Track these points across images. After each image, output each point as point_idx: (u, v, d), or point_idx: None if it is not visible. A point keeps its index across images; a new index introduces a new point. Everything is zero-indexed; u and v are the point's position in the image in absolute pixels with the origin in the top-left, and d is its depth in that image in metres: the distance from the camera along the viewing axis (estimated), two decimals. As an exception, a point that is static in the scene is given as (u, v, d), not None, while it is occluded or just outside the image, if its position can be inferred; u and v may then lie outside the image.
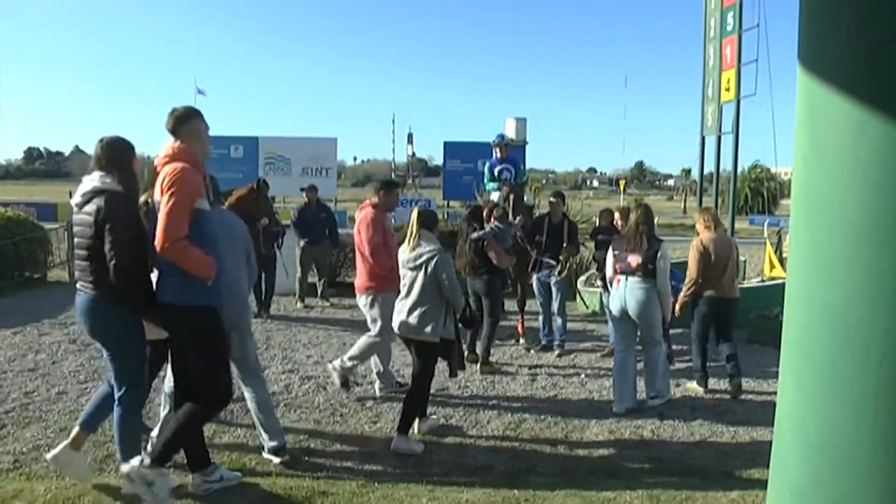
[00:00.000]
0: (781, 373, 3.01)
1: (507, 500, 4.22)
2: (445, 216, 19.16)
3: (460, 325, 5.58)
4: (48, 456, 4.31)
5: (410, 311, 5.26)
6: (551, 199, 8.57)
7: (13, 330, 8.79)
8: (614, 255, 6.37)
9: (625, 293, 6.19)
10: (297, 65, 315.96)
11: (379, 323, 6.18)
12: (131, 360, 4.04)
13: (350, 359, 6.39)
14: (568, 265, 8.17)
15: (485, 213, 8.07)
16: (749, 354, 8.24)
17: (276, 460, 4.75)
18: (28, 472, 4.63)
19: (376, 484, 4.46)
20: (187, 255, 3.74)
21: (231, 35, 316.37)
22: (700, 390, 6.77)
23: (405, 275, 5.40)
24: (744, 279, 12.38)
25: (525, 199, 9.29)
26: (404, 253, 5.44)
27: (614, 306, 6.33)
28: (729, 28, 10.87)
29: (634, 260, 6.14)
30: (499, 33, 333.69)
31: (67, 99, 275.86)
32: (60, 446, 4.29)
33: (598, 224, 8.58)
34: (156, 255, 3.85)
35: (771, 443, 3.12)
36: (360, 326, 9.35)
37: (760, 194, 48.01)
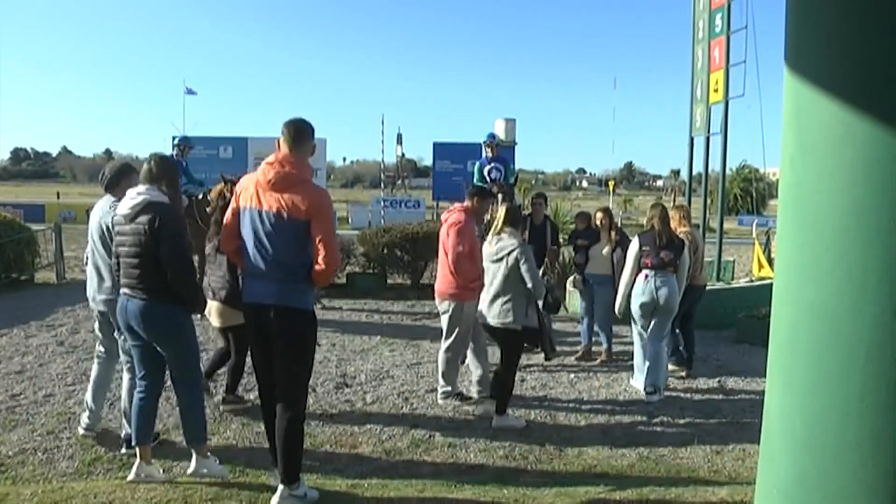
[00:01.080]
0: (769, 372, 3.02)
1: (496, 499, 4.23)
2: (434, 217, 19.24)
3: (544, 312, 5.97)
4: (129, 479, 4.40)
5: (493, 302, 5.66)
6: (534, 201, 8.61)
7: (0, 332, 8.73)
8: (643, 252, 6.59)
9: (656, 287, 6.49)
10: (285, 65, 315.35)
11: (456, 331, 6.14)
12: (189, 353, 4.45)
13: (444, 378, 6.28)
14: (551, 267, 8.21)
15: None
16: (738, 354, 8.31)
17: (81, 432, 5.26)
18: (14, 476, 4.60)
19: (366, 484, 4.46)
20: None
21: (220, 35, 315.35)
22: (680, 371, 7.20)
23: (488, 268, 5.75)
24: (732, 279, 12.44)
25: (514, 199, 9.29)
26: (488, 247, 5.79)
27: (643, 300, 6.55)
28: (717, 30, 10.92)
29: (667, 255, 6.51)
30: (488, 34, 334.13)
31: (55, 99, 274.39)
32: (135, 467, 4.42)
33: (575, 227, 8.48)
34: (240, 259, 4.09)
35: (759, 441, 3.14)
36: (350, 327, 9.39)
37: (749, 195, 48.16)
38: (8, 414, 5.75)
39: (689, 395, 6.66)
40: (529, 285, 5.52)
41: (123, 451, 4.93)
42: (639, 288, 6.61)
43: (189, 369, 4.45)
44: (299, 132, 3.99)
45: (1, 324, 9.17)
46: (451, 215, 6.22)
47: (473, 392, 6.33)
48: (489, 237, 5.87)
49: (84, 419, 5.31)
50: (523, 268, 5.50)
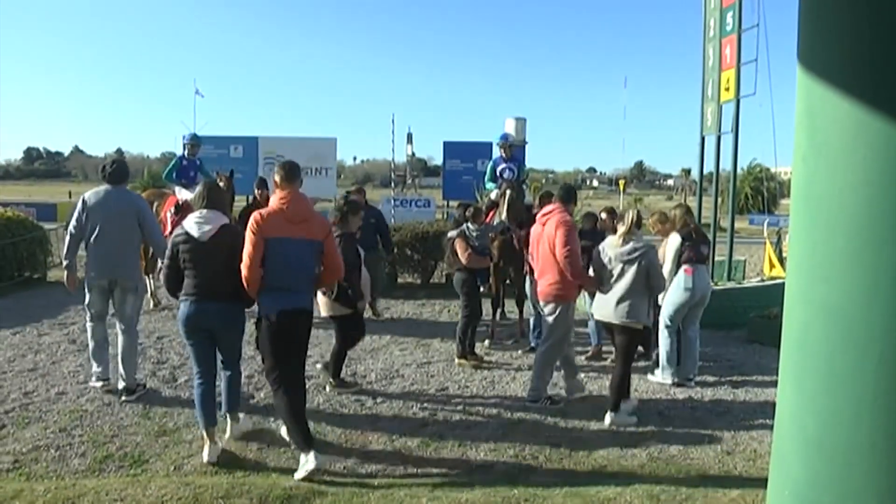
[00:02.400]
0: (781, 372, 3.01)
1: (507, 499, 4.23)
2: (445, 216, 19.20)
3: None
4: (206, 461, 4.87)
5: (620, 301, 5.80)
6: (543, 200, 8.56)
7: (13, 330, 8.79)
8: (688, 246, 6.82)
9: (699, 279, 6.81)
10: (296, 65, 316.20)
11: (560, 333, 6.16)
12: (241, 341, 5.35)
13: (538, 381, 6.25)
14: None
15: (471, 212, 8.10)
16: (748, 354, 8.26)
17: (98, 384, 6.32)
18: (28, 473, 4.64)
19: (376, 483, 4.47)
20: None
21: (231, 35, 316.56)
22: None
23: (614, 267, 5.86)
24: (743, 279, 12.39)
25: (525, 198, 9.26)
26: (614, 248, 5.92)
27: (688, 293, 6.78)
28: (728, 28, 10.86)
29: (706, 249, 7.04)
30: (498, 33, 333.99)
31: (67, 99, 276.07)
32: (207, 450, 4.92)
33: (581, 228, 8.36)
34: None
35: (771, 442, 3.12)
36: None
37: (760, 194, 47.89)
38: (21, 411, 5.80)
39: (699, 396, 6.63)
40: (657, 286, 5.95)
41: (123, 398, 6.09)
42: (684, 282, 6.80)
43: (239, 353, 5.36)
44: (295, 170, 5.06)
45: (14, 322, 9.24)
46: (553, 215, 6.16)
47: (528, 395, 6.30)
48: (615, 239, 5.96)
49: (97, 376, 6.41)
50: (654, 270, 5.85)
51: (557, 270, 6.04)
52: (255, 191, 9.51)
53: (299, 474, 4.51)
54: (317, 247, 4.87)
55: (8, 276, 12.14)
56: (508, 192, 8.41)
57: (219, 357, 5.21)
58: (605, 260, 5.95)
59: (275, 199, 4.90)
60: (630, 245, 5.83)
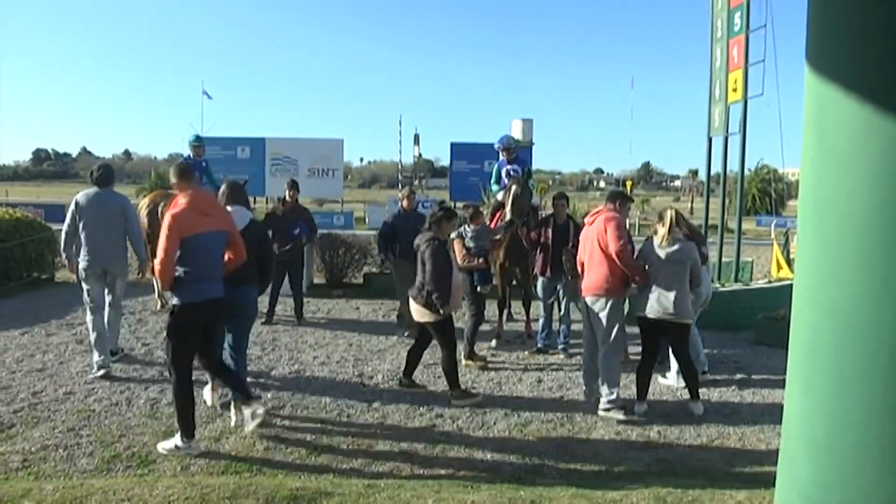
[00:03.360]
0: (789, 374, 3.00)
1: (513, 500, 4.21)
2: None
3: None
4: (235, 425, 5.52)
5: (676, 298, 5.97)
6: (556, 201, 8.54)
7: (21, 330, 8.83)
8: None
9: (706, 280, 6.96)
10: (303, 66, 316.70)
11: (616, 328, 6.11)
12: (251, 324, 6.08)
13: (608, 385, 6.06)
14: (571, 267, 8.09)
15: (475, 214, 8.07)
16: (756, 355, 8.23)
17: (100, 373, 6.77)
18: (37, 472, 4.66)
19: (382, 484, 4.46)
20: None
21: (238, 37, 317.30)
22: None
23: (661, 266, 6.00)
24: (751, 280, 12.35)
25: (532, 199, 9.21)
26: (661, 248, 6.02)
27: (701, 293, 6.82)
28: (736, 28, 10.85)
29: (706, 250, 7.11)
30: (505, 34, 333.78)
31: (75, 101, 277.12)
32: (235, 415, 5.55)
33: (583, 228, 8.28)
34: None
35: (779, 444, 3.11)
36: (367, 327, 9.40)
37: (767, 195, 47.81)
38: (30, 411, 5.82)
39: (706, 397, 6.61)
40: (697, 283, 6.18)
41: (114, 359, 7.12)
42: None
43: (245, 341, 5.98)
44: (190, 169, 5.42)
45: (22, 322, 9.28)
46: (600, 213, 6.24)
47: (604, 406, 6.07)
48: (659, 240, 6.04)
49: (98, 364, 6.86)
50: (696, 268, 6.09)
51: (606, 266, 6.07)
52: (287, 192, 9.64)
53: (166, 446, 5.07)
54: (226, 236, 5.25)
55: (17, 277, 12.19)
56: (514, 186, 8.39)
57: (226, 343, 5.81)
58: (654, 259, 6.04)
59: (182, 198, 5.08)
60: (677, 245, 5.99)
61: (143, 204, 10.34)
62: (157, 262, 4.97)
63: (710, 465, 5.04)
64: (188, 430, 5.03)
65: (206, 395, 6.04)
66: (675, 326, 6.07)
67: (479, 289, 7.83)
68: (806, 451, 2.81)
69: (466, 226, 7.87)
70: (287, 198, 9.65)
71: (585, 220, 6.55)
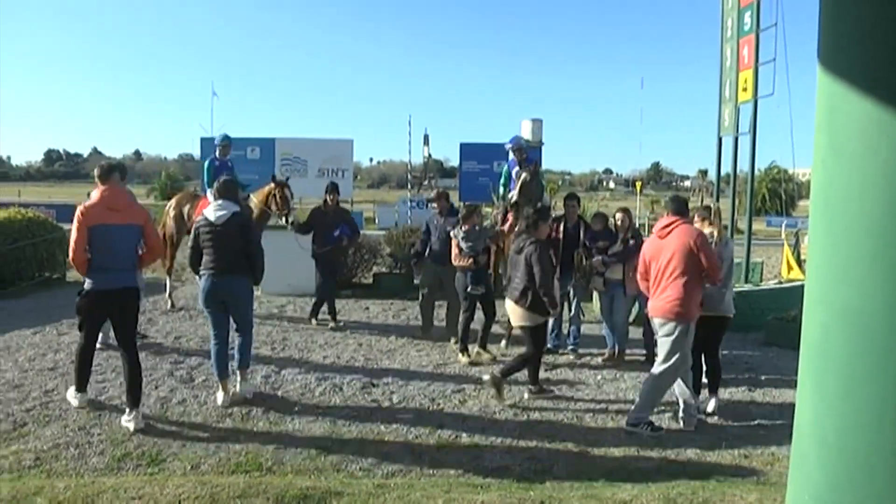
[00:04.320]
0: (800, 375, 2.98)
1: (522, 501, 4.21)
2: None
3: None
4: (221, 404, 6.04)
5: (728, 296, 6.13)
6: (567, 201, 8.51)
7: (33, 330, 8.88)
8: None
9: None
10: (312, 66, 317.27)
11: (678, 355, 5.64)
12: (251, 309, 6.54)
13: (644, 406, 5.81)
14: (584, 268, 8.06)
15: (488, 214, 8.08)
16: (766, 357, 8.21)
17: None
18: (49, 470, 4.70)
19: (392, 484, 4.47)
20: None
21: (247, 37, 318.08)
22: None
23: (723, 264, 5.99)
24: (761, 281, 12.30)
25: (543, 198, 9.16)
26: (716, 247, 6.00)
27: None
28: (746, 28, 10.80)
29: None
30: (514, 34, 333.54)
31: (85, 102, 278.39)
32: (221, 397, 6.10)
33: (592, 229, 8.15)
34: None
35: (790, 445, 3.10)
36: (377, 327, 9.41)
37: (778, 195, 47.65)
38: (42, 409, 5.86)
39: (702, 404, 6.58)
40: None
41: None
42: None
43: (249, 321, 6.44)
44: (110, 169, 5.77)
45: (34, 321, 9.33)
46: (678, 227, 5.71)
47: (681, 422, 5.88)
48: (716, 239, 6.06)
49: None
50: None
51: (684, 286, 5.56)
52: (326, 195, 9.65)
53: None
54: (136, 230, 5.72)
55: (28, 277, 12.28)
56: (524, 174, 8.38)
57: (233, 326, 6.32)
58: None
59: (96, 194, 5.62)
60: (728, 243, 6.17)
61: (170, 206, 10.35)
62: (70, 250, 5.62)
63: (720, 465, 5.03)
64: (81, 384, 5.91)
65: (219, 396, 6.16)
66: (725, 320, 6.22)
67: (469, 289, 7.80)
68: (818, 452, 2.79)
69: (459, 226, 7.88)
70: (328, 201, 9.65)
71: (655, 232, 5.92)
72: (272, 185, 9.50)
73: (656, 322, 5.80)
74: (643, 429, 5.68)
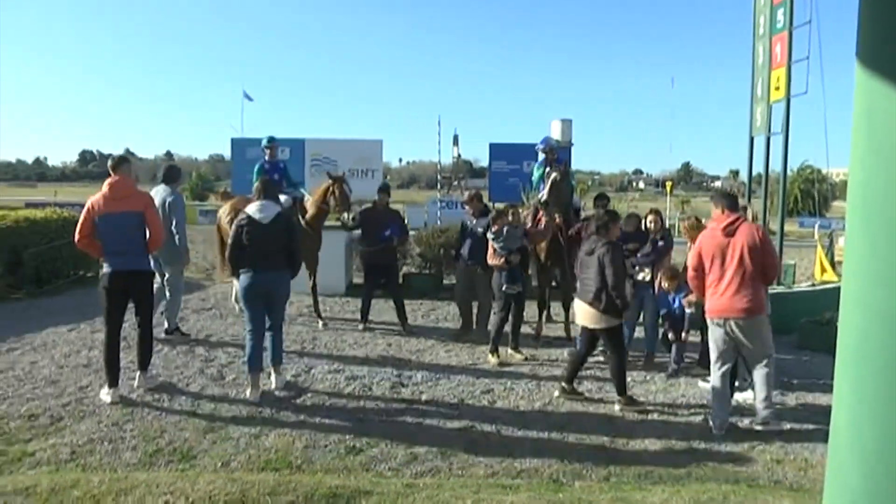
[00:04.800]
0: (837, 379, 2.92)
1: (552, 502, 4.19)
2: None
3: None
4: (249, 397, 6.25)
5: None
6: (597, 201, 8.45)
7: (68, 327, 9.04)
8: None
9: None
10: (342, 66, 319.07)
11: (770, 344, 5.75)
12: (284, 308, 6.92)
13: (764, 400, 5.76)
14: None
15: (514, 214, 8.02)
16: (799, 360, 8.09)
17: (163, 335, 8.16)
18: (84, 464, 4.78)
19: (421, 484, 4.47)
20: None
21: (276, 39, 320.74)
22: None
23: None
24: (794, 283, 12.12)
25: (573, 197, 9.11)
26: None
27: None
28: (779, 25, 10.63)
29: None
30: (544, 34, 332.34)
31: (119, 103, 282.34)
32: (250, 391, 6.28)
33: (622, 231, 8.07)
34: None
35: (824, 452, 3.04)
36: (406, 327, 9.40)
37: (810, 196, 46.99)
38: (77, 405, 5.95)
39: (748, 402, 6.49)
40: None
41: (163, 336, 8.24)
42: None
43: (282, 317, 6.81)
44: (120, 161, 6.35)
45: (69, 319, 9.49)
46: (741, 224, 5.67)
47: (761, 416, 5.81)
48: None
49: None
50: None
51: (756, 282, 5.60)
52: (378, 195, 9.63)
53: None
54: (138, 216, 6.18)
55: (64, 275, 12.49)
56: (554, 174, 8.33)
57: (266, 322, 6.52)
58: None
59: (105, 185, 6.16)
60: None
61: (224, 211, 10.24)
62: (76, 235, 6.20)
63: (752, 471, 4.95)
64: (112, 379, 6.11)
65: (249, 391, 6.30)
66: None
67: (504, 288, 7.78)
68: (856, 459, 2.74)
69: (490, 227, 7.88)
70: (379, 200, 9.59)
71: (716, 228, 5.76)
72: (329, 181, 9.33)
73: (739, 323, 5.65)
74: (776, 423, 5.75)
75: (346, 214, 9.23)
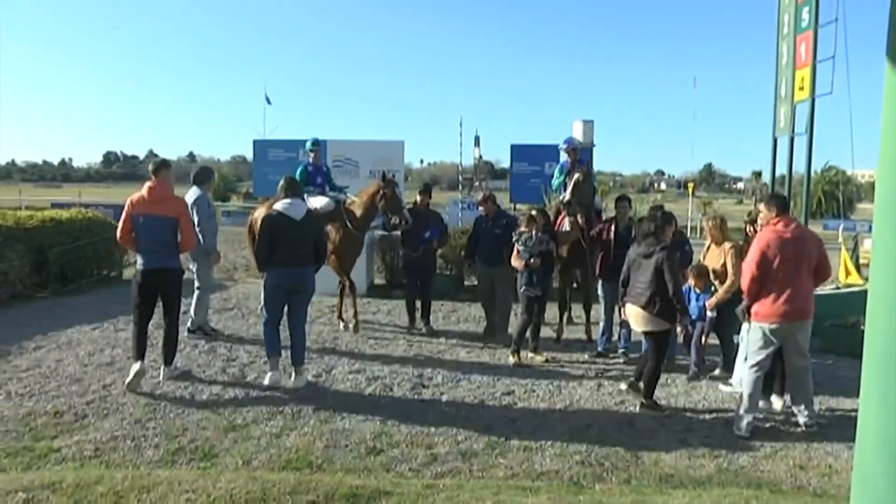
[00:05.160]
0: (864, 384, 2.89)
1: (572, 505, 4.18)
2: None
3: None
4: (266, 384, 6.57)
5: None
6: (619, 203, 8.40)
7: (92, 326, 9.14)
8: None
9: None
10: (362, 67, 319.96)
11: (805, 349, 5.85)
12: (308, 303, 6.98)
13: (805, 408, 5.84)
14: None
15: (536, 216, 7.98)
16: (823, 364, 7.97)
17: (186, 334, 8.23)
18: (107, 461, 4.85)
19: (441, 485, 4.47)
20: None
21: (297, 40, 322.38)
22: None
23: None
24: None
25: (595, 199, 9.06)
26: None
27: None
28: (804, 24, 10.48)
29: None
30: (565, 34, 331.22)
31: (142, 105, 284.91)
32: (269, 376, 6.61)
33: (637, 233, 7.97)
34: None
35: (848, 458, 3.01)
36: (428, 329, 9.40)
37: (834, 198, 46.41)
38: (101, 403, 6.02)
39: (770, 406, 6.42)
40: None
41: (187, 334, 8.32)
42: None
43: (306, 313, 6.97)
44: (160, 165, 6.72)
45: (93, 318, 9.60)
46: (802, 227, 5.77)
47: (802, 418, 5.86)
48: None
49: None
50: None
51: (812, 285, 5.76)
52: (418, 197, 9.55)
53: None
54: (172, 222, 6.52)
55: (88, 274, 12.64)
56: (577, 174, 8.30)
57: (289, 320, 6.73)
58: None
59: (145, 187, 6.48)
60: None
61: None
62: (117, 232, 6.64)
63: (775, 476, 4.89)
64: (137, 353, 6.53)
65: (268, 376, 6.65)
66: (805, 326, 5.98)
67: (523, 290, 7.77)
68: (883, 464, 2.70)
69: (517, 229, 7.88)
70: (418, 202, 9.51)
71: (777, 228, 5.67)
72: (380, 183, 8.96)
73: (796, 326, 5.68)
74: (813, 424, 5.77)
75: (394, 218, 8.94)
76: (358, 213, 9.10)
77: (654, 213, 6.82)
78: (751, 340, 5.94)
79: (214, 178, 7.55)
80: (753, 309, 5.77)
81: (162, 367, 6.76)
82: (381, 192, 8.87)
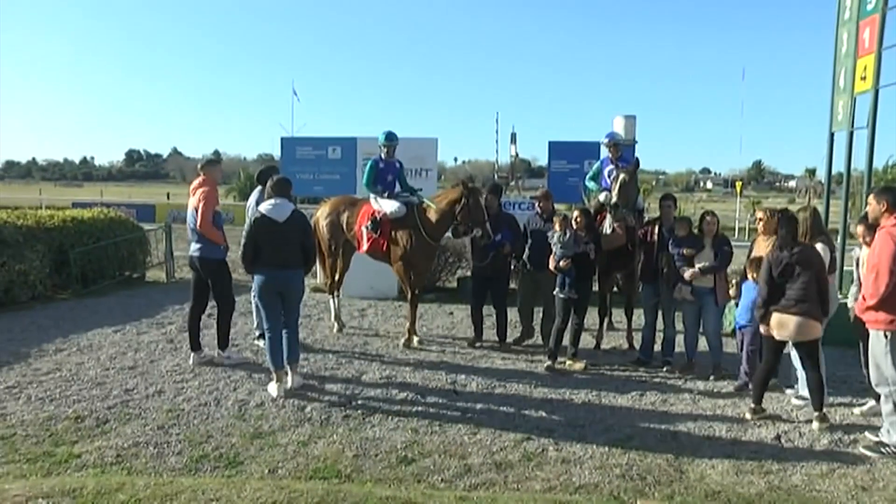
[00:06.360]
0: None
1: (613, 520, 4.15)
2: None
3: None
4: (276, 396, 6.57)
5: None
6: (663, 202, 8.31)
7: (114, 328, 9.31)
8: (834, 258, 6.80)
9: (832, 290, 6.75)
10: (395, 64, 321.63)
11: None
12: (300, 304, 7.17)
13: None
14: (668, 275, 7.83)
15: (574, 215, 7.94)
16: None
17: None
18: (129, 467, 4.93)
19: (475, 497, 4.47)
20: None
21: (326, 37, 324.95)
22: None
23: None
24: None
25: (638, 200, 8.98)
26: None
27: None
28: (869, 7, 10.17)
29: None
30: (605, 27, 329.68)
31: (165, 103, 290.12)
32: (276, 387, 6.64)
33: (675, 234, 7.78)
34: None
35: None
36: (461, 333, 9.41)
37: (899, 198, 45.39)
38: (123, 408, 6.13)
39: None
40: None
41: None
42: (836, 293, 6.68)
43: (297, 314, 7.09)
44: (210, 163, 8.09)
45: (115, 320, 9.78)
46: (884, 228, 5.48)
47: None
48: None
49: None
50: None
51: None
52: (486, 196, 8.74)
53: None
54: (193, 211, 7.47)
55: (109, 276, 12.87)
56: (622, 175, 8.22)
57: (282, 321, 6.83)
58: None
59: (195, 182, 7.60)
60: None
61: (323, 213, 9.65)
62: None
63: (832, 497, 4.77)
64: (193, 345, 7.64)
65: (273, 388, 6.69)
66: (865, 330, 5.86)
67: (555, 291, 7.74)
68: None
69: (552, 229, 7.88)
70: (487, 202, 8.74)
71: (890, 229, 5.44)
72: (462, 190, 8.48)
73: (890, 334, 5.43)
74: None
75: (476, 230, 8.43)
76: (434, 219, 8.67)
77: (782, 215, 6.58)
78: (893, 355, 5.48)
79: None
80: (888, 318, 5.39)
81: (217, 352, 7.76)
82: (465, 199, 8.37)
